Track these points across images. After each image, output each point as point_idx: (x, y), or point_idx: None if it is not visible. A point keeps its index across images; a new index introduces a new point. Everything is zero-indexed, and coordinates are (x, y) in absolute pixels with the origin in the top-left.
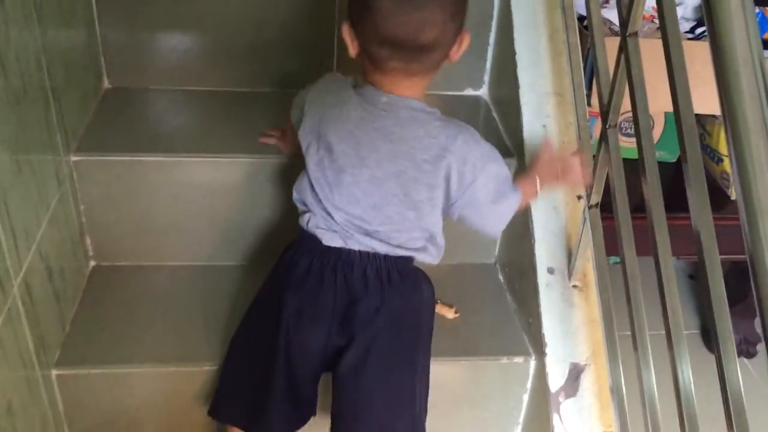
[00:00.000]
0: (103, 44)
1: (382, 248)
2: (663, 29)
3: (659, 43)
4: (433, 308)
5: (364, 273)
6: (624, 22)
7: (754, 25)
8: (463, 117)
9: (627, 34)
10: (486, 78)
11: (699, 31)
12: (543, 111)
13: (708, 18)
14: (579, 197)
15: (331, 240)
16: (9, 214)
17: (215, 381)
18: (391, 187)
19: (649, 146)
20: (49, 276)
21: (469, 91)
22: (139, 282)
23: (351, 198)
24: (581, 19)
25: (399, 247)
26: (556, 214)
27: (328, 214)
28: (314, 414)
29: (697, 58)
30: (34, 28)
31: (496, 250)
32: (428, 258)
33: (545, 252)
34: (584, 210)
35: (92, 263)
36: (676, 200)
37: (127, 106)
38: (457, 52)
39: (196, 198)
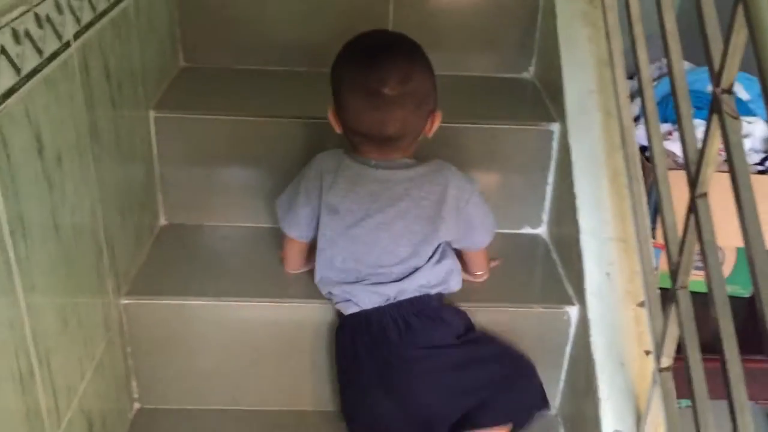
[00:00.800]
0: (161, 182)
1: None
2: (730, 164)
3: (727, 175)
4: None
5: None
6: (692, 181)
7: None
8: (520, 257)
9: (696, 195)
10: (545, 217)
11: None
12: (606, 258)
13: None
14: (647, 352)
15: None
16: (51, 374)
17: None
18: (398, 228)
19: (723, 302)
20: (89, 428)
21: (527, 230)
22: (184, 426)
23: (364, 247)
24: (643, 149)
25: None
26: (623, 369)
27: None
28: None
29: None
30: (90, 179)
31: (557, 400)
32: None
33: (611, 412)
34: (654, 372)
35: (137, 405)
36: (751, 339)
37: (182, 244)
38: (431, 129)
39: (245, 341)
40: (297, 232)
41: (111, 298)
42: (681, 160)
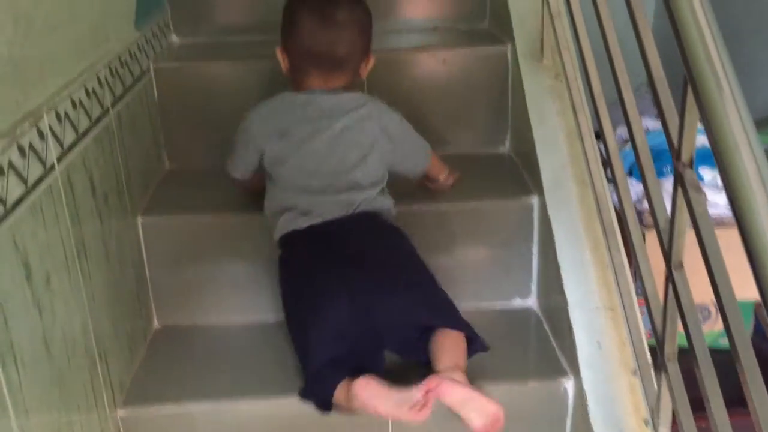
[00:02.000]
0: (152, 286)
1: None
2: (698, 235)
3: None
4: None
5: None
6: (666, 254)
7: None
8: (513, 331)
9: (672, 266)
10: (533, 288)
11: None
12: (595, 328)
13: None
14: (645, 421)
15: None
16: None
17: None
18: (347, 138)
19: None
20: None
21: (518, 301)
22: None
23: (318, 158)
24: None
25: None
26: None
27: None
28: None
29: None
30: (80, 295)
31: None
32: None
33: None
34: None
35: None
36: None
37: (177, 347)
38: (365, 69)
39: None
40: (243, 170)
41: (107, 411)
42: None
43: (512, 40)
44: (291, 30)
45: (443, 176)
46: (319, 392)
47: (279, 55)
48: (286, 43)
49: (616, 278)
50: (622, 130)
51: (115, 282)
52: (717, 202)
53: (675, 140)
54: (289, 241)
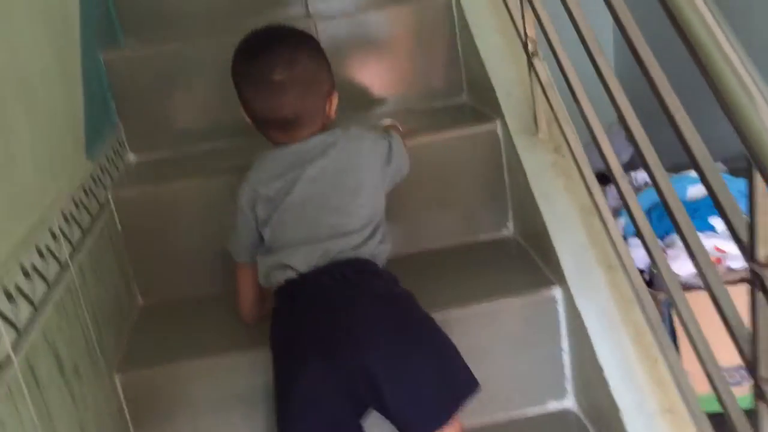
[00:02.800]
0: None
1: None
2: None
3: None
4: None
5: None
6: (752, 369)
7: None
8: None
9: (758, 380)
10: (569, 387)
11: None
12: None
13: None
14: None
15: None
16: None
17: None
18: (323, 184)
19: None
20: None
21: (553, 404)
22: None
23: (297, 211)
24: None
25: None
26: None
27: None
28: None
29: None
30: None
31: None
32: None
33: None
34: None
35: None
36: None
37: None
38: (331, 109)
39: None
40: (244, 253)
41: None
42: (684, 277)
43: (500, 115)
44: (240, 97)
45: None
46: None
47: (243, 113)
48: (243, 106)
49: (672, 373)
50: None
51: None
52: (736, 253)
53: (745, 238)
54: (277, 297)
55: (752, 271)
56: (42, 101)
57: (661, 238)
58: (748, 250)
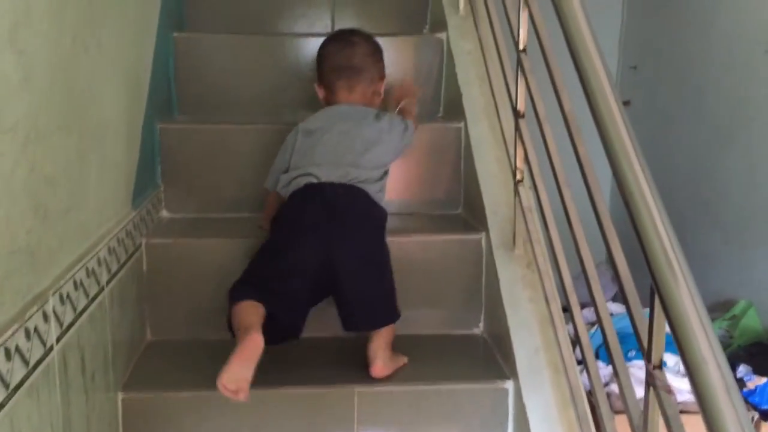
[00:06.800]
0: None
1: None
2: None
3: None
4: None
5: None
6: None
7: None
8: None
9: None
10: None
11: None
12: None
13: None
14: None
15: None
16: None
17: None
18: (354, 134)
19: None
20: None
21: None
22: None
23: (328, 146)
24: None
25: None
26: None
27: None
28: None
29: None
30: None
31: None
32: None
33: None
34: None
35: None
36: None
37: None
38: (381, 88)
39: None
40: (274, 183)
41: None
42: None
43: (486, 229)
44: (321, 62)
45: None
46: (235, 295)
47: (316, 88)
48: (320, 74)
49: None
50: (591, 310)
51: None
52: (681, 387)
53: (645, 343)
54: (291, 196)
55: (647, 371)
56: (110, 153)
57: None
58: (646, 354)
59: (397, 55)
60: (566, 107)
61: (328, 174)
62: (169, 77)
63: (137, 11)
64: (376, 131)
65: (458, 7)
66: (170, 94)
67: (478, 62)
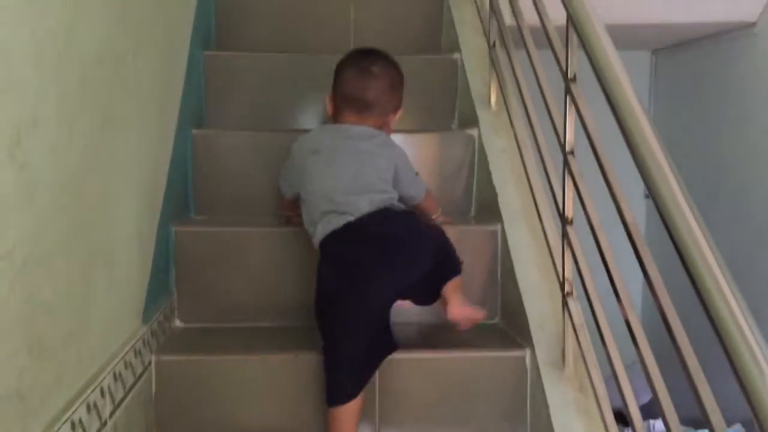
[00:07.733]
0: None
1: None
2: None
3: None
4: None
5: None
6: None
7: None
8: None
9: None
10: None
11: None
12: None
13: None
14: None
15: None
16: None
17: None
18: (364, 159)
19: None
20: None
21: None
22: None
23: (338, 169)
24: None
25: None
26: None
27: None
28: None
29: None
30: None
31: None
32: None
33: None
34: None
35: None
36: None
37: None
38: (393, 120)
39: None
40: (288, 190)
41: None
42: None
43: (531, 345)
44: (336, 79)
45: (435, 215)
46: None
47: (327, 100)
48: (334, 90)
49: None
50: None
51: None
52: None
53: None
54: (328, 241)
55: None
56: (119, 269)
57: None
58: None
59: (421, 153)
60: (628, 218)
61: (361, 203)
62: (186, 176)
63: (158, 111)
64: (374, 145)
65: (490, 102)
66: (187, 193)
67: (514, 160)
